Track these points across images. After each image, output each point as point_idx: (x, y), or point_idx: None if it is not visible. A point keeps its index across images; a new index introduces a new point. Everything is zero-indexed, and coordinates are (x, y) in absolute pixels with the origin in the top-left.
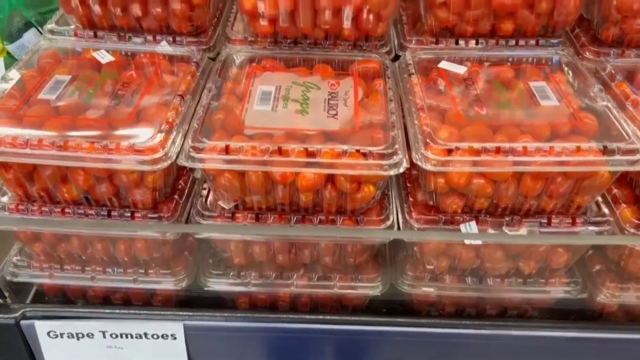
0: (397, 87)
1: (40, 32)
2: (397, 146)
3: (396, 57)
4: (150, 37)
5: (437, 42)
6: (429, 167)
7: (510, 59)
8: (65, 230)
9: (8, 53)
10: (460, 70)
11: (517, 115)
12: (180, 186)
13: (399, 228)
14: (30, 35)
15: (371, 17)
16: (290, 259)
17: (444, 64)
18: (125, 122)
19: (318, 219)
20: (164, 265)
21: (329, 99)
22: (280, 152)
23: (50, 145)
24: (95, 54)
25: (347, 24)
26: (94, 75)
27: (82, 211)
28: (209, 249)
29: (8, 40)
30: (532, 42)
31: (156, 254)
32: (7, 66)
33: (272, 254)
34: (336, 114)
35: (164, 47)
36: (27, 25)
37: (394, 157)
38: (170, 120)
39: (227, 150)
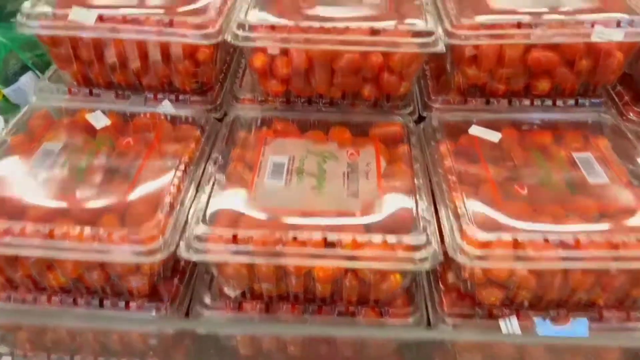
0: (424, 155)
1: (38, 75)
2: (429, 234)
3: (420, 117)
4: (150, 95)
5: (465, 102)
6: (465, 260)
7: (547, 121)
8: (51, 323)
9: (4, 96)
10: (494, 137)
11: (560, 192)
12: (181, 267)
13: (428, 321)
14: (26, 79)
15: (393, 76)
16: (304, 352)
17: (475, 130)
18: (119, 203)
19: (337, 311)
20: (162, 354)
21: (348, 172)
22: (295, 241)
23: (34, 234)
24: (89, 117)
25: (366, 84)
26: (87, 143)
27: (71, 298)
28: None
29: (4, 83)
30: (571, 101)
31: (153, 341)
32: (2, 110)
33: (283, 345)
34: (357, 191)
35: (166, 107)
36: (24, 69)
37: (427, 248)
38: (170, 200)
39: (234, 239)
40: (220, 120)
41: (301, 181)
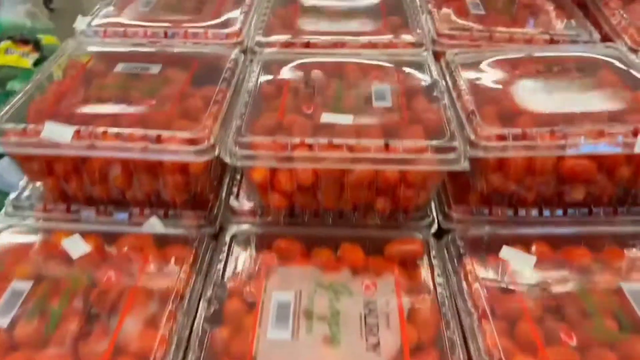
0: (448, 278)
1: None
2: None
3: (439, 230)
4: (136, 211)
5: (490, 211)
6: None
7: (583, 234)
8: None
9: None
10: (528, 263)
11: (610, 334)
12: None
13: None
14: (4, 164)
15: (410, 190)
16: None
17: (506, 253)
18: None
19: None
20: None
21: (365, 315)
22: None
23: None
24: (66, 244)
25: (380, 197)
26: (62, 279)
27: None
28: None
29: None
30: (608, 209)
31: None
32: None
33: None
34: (377, 344)
35: (153, 225)
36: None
37: None
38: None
39: None
40: (215, 236)
41: (311, 330)
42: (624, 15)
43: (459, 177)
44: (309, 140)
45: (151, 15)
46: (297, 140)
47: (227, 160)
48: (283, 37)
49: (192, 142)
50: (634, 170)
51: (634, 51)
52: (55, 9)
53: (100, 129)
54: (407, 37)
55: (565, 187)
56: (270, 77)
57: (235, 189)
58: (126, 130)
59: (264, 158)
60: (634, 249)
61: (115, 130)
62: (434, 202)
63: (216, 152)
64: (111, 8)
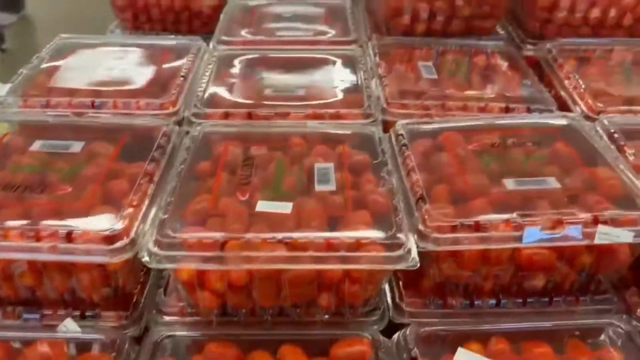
0: None
1: None
2: None
3: (391, 325)
4: (49, 311)
5: (444, 302)
6: None
7: (544, 328)
8: None
9: None
10: None
11: None
12: None
13: None
14: None
15: (356, 286)
16: None
17: (461, 357)
18: None
19: None
20: None
21: None
22: None
23: None
24: None
25: (323, 293)
26: None
27: None
28: None
29: None
30: (570, 298)
31: None
32: None
33: None
34: None
35: (68, 326)
36: None
37: None
38: None
39: None
40: (139, 339)
41: None
42: (579, 80)
43: None
44: (241, 237)
45: (77, 83)
46: (227, 236)
47: (146, 261)
48: (222, 107)
49: (108, 239)
50: (595, 258)
51: (591, 119)
52: (7, 49)
53: (2, 226)
54: (355, 108)
55: (523, 276)
56: (205, 153)
57: (163, 281)
58: (32, 227)
59: (189, 259)
60: (597, 341)
61: (18, 228)
62: (385, 291)
63: (134, 251)
64: (34, 73)
